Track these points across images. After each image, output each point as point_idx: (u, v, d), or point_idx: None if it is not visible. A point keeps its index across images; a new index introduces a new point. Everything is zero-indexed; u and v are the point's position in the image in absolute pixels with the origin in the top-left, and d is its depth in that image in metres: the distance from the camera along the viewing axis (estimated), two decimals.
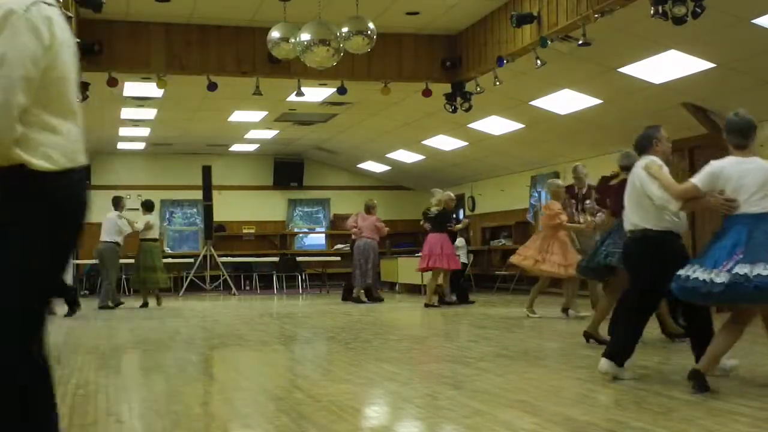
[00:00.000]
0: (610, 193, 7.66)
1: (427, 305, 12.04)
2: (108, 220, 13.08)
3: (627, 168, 7.36)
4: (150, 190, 18.89)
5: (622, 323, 5.84)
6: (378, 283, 14.25)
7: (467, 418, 4.32)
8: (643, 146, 5.73)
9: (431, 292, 12.27)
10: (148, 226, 13.28)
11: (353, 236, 13.99)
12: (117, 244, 13.02)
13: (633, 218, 5.59)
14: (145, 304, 13.19)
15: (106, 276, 13.07)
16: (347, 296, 14.08)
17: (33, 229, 2.32)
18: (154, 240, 13.47)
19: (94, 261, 16.50)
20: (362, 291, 13.65)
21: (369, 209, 13.87)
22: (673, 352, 6.79)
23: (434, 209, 12.40)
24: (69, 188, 2.39)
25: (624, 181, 6.08)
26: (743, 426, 4.02)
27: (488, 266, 16.95)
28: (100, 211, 13.44)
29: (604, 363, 5.38)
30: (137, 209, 14.55)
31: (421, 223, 12.85)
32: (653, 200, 5.38)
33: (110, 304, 12.86)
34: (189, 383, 5.66)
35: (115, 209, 13.20)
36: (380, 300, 13.61)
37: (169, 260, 17.94)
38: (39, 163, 2.30)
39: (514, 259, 10.27)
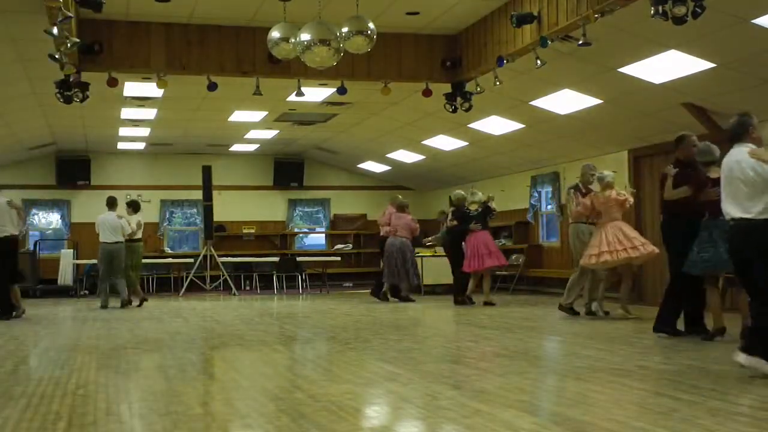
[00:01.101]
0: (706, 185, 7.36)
1: (486, 303, 12.21)
2: (107, 220, 13.06)
3: (712, 163, 7.25)
4: (150, 190, 18.93)
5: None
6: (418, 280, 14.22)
7: (467, 418, 4.32)
8: (739, 134, 5.55)
9: (489, 289, 12.53)
10: (139, 226, 13.47)
11: (384, 233, 13.96)
12: (122, 243, 13.06)
13: (732, 209, 5.45)
14: (130, 302, 13.32)
15: (119, 275, 13.04)
16: (378, 293, 14.03)
17: None
18: (140, 240, 13.65)
19: (94, 261, 16.51)
20: (390, 289, 13.69)
21: (403, 208, 13.89)
22: (674, 351, 6.79)
23: (473, 207, 12.41)
24: None
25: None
26: (743, 426, 4.02)
27: None
28: (99, 211, 13.50)
29: (743, 357, 5.32)
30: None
31: (450, 222, 12.77)
32: None
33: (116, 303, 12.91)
34: (189, 383, 5.66)
35: (111, 209, 13.19)
36: (411, 300, 13.63)
37: (170, 260, 18.00)
38: None
39: (598, 260, 9.64)
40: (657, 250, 9.62)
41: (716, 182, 6.83)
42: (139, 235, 13.59)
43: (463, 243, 12.49)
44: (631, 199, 9.97)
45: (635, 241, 9.58)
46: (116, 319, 10.90)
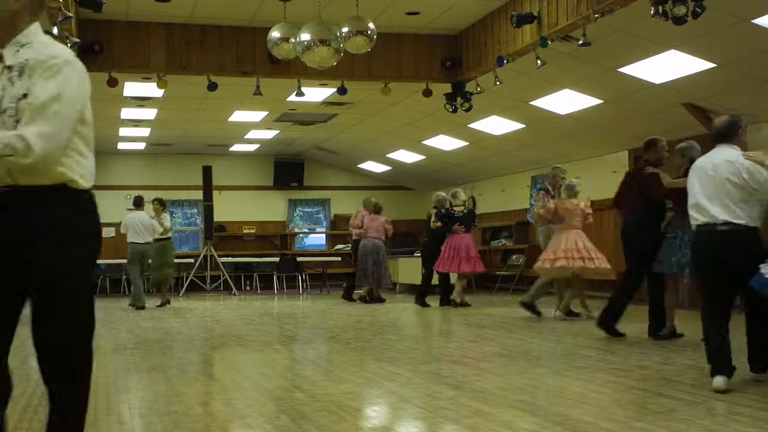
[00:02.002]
0: None
1: (459, 304, 12.10)
2: (139, 220, 12.87)
3: (692, 160, 7.30)
4: (150, 190, 18.87)
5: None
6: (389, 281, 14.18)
7: (467, 418, 4.32)
8: (728, 134, 5.25)
9: (462, 290, 12.39)
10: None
11: (356, 236, 13.88)
12: (151, 243, 12.98)
13: (716, 211, 5.05)
14: (167, 302, 13.20)
15: (142, 276, 12.92)
16: (349, 296, 14.05)
17: (91, 240, 2.90)
18: (170, 238, 13.41)
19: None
20: (369, 290, 13.66)
21: (379, 209, 13.83)
22: (673, 351, 6.79)
23: (459, 208, 12.36)
24: (96, 204, 2.95)
25: None
26: (743, 426, 4.02)
27: (488, 266, 16.93)
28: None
29: (721, 380, 4.90)
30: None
31: (435, 224, 12.71)
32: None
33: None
34: (189, 383, 5.66)
35: (140, 209, 13.01)
36: (382, 300, 13.62)
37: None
38: (81, 182, 2.85)
39: (553, 265, 9.73)
40: (609, 267, 9.67)
41: None
42: (168, 233, 13.42)
43: (473, 245, 12.41)
44: (591, 219, 10.01)
45: (591, 253, 9.67)
46: (116, 320, 10.91)
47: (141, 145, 18.16)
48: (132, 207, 13.48)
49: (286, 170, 19.98)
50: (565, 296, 10.04)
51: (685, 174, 7.35)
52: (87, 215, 2.87)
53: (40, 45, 2.78)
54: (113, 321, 10.70)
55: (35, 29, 2.83)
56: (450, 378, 5.64)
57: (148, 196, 18.25)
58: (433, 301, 12.48)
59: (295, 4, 9.03)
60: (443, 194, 12.83)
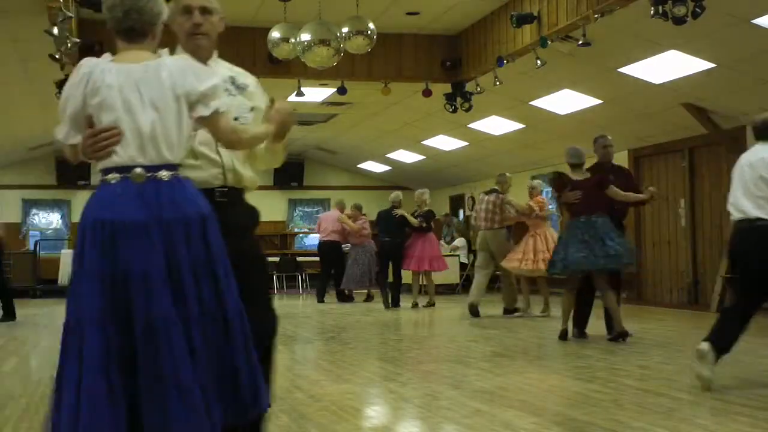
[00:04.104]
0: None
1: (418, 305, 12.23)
2: None
3: (580, 165, 7.72)
4: None
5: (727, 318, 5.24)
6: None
7: (467, 418, 4.32)
8: (764, 131, 5.25)
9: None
10: None
11: (363, 237, 13.68)
12: None
13: (751, 207, 5.09)
14: None
15: None
16: (345, 298, 13.94)
17: None
18: None
19: None
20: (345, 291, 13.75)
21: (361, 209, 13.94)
22: (674, 351, 6.79)
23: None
24: None
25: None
26: (743, 426, 4.02)
27: None
28: None
29: (706, 345, 4.90)
30: None
31: (421, 223, 12.70)
32: None
33: None
34: None
35: None
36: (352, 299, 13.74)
37: None
38: None
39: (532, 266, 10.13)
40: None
41: (576, 185, 7.43)
42: None
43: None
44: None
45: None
46: None
47: None
48: None
49: (286, 170, 19.96)
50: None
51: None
52: None
53: (222, 64, 3.27)
54: None
55: None
56: (450, 378, 5.64)
57: None
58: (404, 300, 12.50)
59: (295, 4, 9.03)
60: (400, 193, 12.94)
